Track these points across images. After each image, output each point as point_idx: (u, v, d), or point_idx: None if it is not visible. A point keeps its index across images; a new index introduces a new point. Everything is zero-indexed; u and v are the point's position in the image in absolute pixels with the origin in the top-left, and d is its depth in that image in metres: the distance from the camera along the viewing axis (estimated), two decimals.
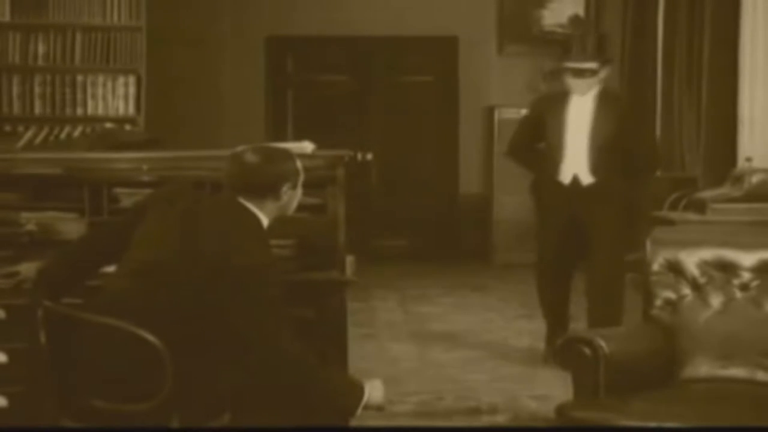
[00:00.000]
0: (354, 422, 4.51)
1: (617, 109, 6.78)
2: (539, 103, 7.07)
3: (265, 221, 4.02)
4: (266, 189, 4.00)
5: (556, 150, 6.75)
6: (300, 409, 4.12)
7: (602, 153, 6.65)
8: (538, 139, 6.90)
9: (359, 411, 3.99)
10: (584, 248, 6.79)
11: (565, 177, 6.74)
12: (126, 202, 4.92)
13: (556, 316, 6.94)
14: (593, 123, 6.67)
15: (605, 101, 6.73)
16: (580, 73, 6.68)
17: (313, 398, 4.01)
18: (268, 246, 3.97)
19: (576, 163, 6.71)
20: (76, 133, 7.92)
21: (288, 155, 4.11)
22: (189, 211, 4.01)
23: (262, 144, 4.22)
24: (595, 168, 6.67)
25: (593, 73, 6.67)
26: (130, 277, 3.96)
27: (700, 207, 7.23)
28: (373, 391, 4.01)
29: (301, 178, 4.10)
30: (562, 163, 6.73)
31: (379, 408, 4.01)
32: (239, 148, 4.10)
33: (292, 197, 4.08)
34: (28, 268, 4.34)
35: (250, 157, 4.02)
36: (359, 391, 3.98)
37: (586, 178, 6.70)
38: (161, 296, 3.87)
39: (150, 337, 3.74)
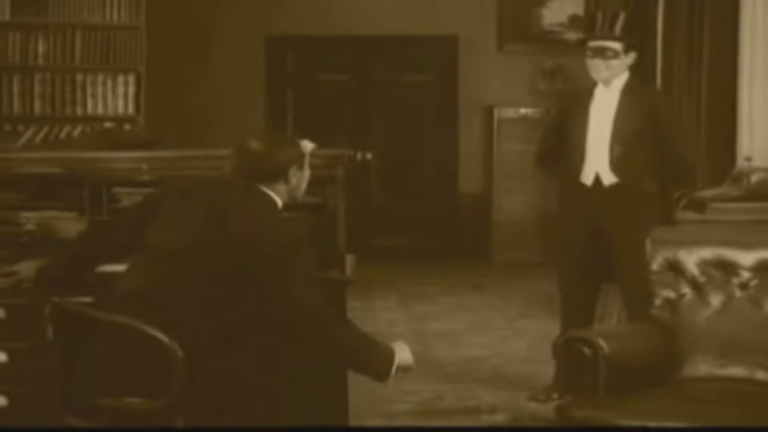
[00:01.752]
0: (356, 419, 4.52)
1: (647, 101, 6.07)
2: (562, 100, 6.40)
3: (280, 204, 4.14)
4: (276, 174, 4.11)
5: (576, 147, 6.04)
6: (334, 376, 4.36)
7: (627, 150, 5.95)
8: (565, 141, 6.17)
9: (392, 374, 4.09)
10: (610, 264, 6.09)
11: (587, 177, 6.04)
12: (126, 201, 4.93)
13: None
14: (617, 115, 5.98)
15: (632, 92, 6.04)
16: (600, 53, 5.97)
17: (351, 365, 4.20)
18: (291, 225, 4.14)
19: (597, 161, 6.02)
20: (76, 132, 7.93)
21: (290, 139, 4.25)
22: (211, 198, 4.08)
23: (262, 132, 4.32)
24: (617, 166, 5.97)
25: (616, 54, 5.95)
26: (154, 267, 3.99)
27: (700, 206, 7.22)
28: (402, 353, 4.11)
29: (307, 159, 4.21)
30: (584, 161, 6.02)
31: (408, 369, 4.13)
32: (241, 141, 4.17)
33: (301, 179, 4.19)
34: (27, 268, 4.36)
35: (255, 145, 4.13)
36: (391, 354, 4.08)
37: (608, 178, 6.00)
38: (191, 283, 3.93)
39: (161, 336, 3.76)
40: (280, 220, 4.11)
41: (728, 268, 4.73)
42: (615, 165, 5.98)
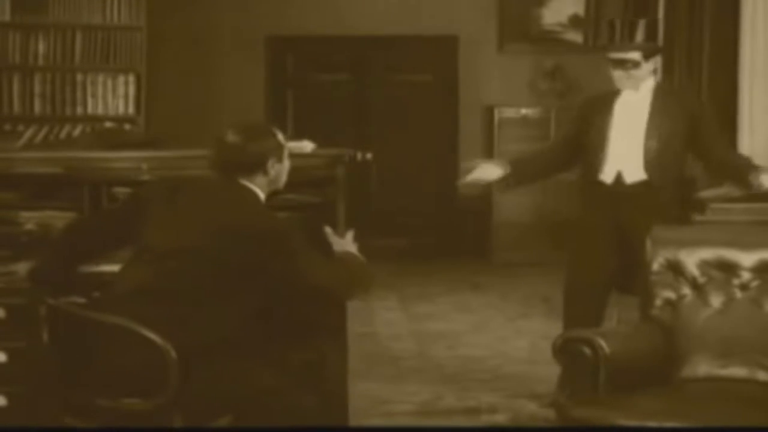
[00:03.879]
0: (356, 419, 4.51)
1: (686, 105, 5.99)
2: (586, 103, 6.23)
3: (261, 196, 4.13)
4: (253, 166, 4.11)
5: (598, 147, 5.92)
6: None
7: (662, 149, 5.85)
8: (580, 143, 6.04)
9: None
10: (628, 273, 5.88)
11: (607, 176, 5.93)
12: None
13: None
14: (652, 115, 5.87)
15: (667, 95, 5.97)
16: (621, 64, 5.87)
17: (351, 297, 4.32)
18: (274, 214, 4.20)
19: (622, 159, 5.90)
20: (76, 132, 7.93)
21: (268, 131, 4.23)
22: (199, 195, 4.09)
23: (242, 123, 4.27)
24: (649, 164, 5.86)
25: (636, 64, 5.87)
26: (153, 266, 4.00)
27: (700, 207, 7.22)
28: (349, 247, 4.31)
29: (286, 151, 4.21)
30: (605, 160, 5.90)
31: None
32: (219, 133, 4.19)
33: (280, 171, 4.20)
34: (25, 268, 4.36)
35: (232, 138, 4.14)
36: (364, 266, 4.29)
37: (631, 176, 5.89)
38: (190, 280, 3.94)
39: (154, 337, 3.75)
40: (265, 210, 4.11)
41: (729, 268, 4.73)
42: (648, 163, 5.88)
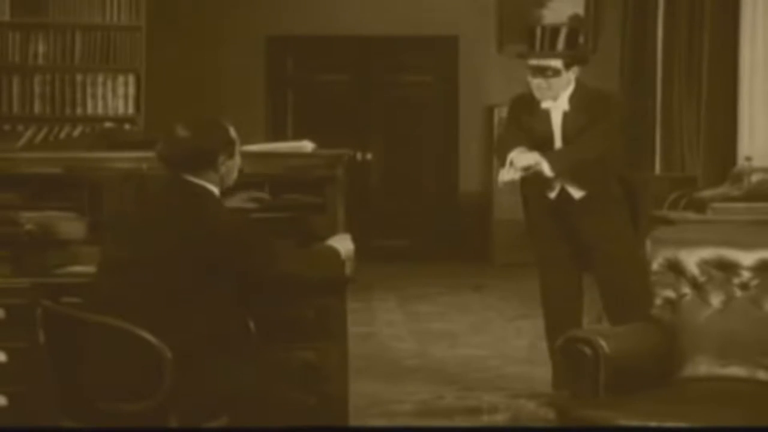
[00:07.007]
0: (356, 419, 4.51)
1: (595, 106, 5.79)
2: (515, 104, 6.10)
3: (216, 192, 4.04)
4: (203, 162, 3.99)
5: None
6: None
7: (587, 166, 5.77)
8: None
9: (348, 269, 4.28)
10: (587, 264, 5.97)
11: (553, 192, 5.90)
12: None
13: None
14: (565, 131, 5.77)
15: (579, 102, 5.78)
16: (540, 72, 5.73)
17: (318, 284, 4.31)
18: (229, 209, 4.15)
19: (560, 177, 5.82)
20: (76, 132, 7.93)
21: (219, 126, 4.07)
22: (154, 198, 4.05)
23: (194, 116, 4.19)
24: (580, 181, 5.83)
25: (557, 72, 5.73)
26: (118, 276, 3.95)
27: (700, 206, 7.22)
28: (343, 246, 4.26)
29: (238, 146, 4.08)
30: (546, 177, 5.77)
31: (352, 255, 4.30)
32: (170, 126, 4.09)
33: (231, 167, 4.07)
34: None
35: (182, 132, 4.02)
36: (338, 255, 4.23)
37: (575, 193, 5.87)
38: (157, 286, 3.89)
39: (149, 337, 3.74)
40: (220, 207, 4.03)
41: (729, 268, 4.72)
42: (579, 181, 5.82)
